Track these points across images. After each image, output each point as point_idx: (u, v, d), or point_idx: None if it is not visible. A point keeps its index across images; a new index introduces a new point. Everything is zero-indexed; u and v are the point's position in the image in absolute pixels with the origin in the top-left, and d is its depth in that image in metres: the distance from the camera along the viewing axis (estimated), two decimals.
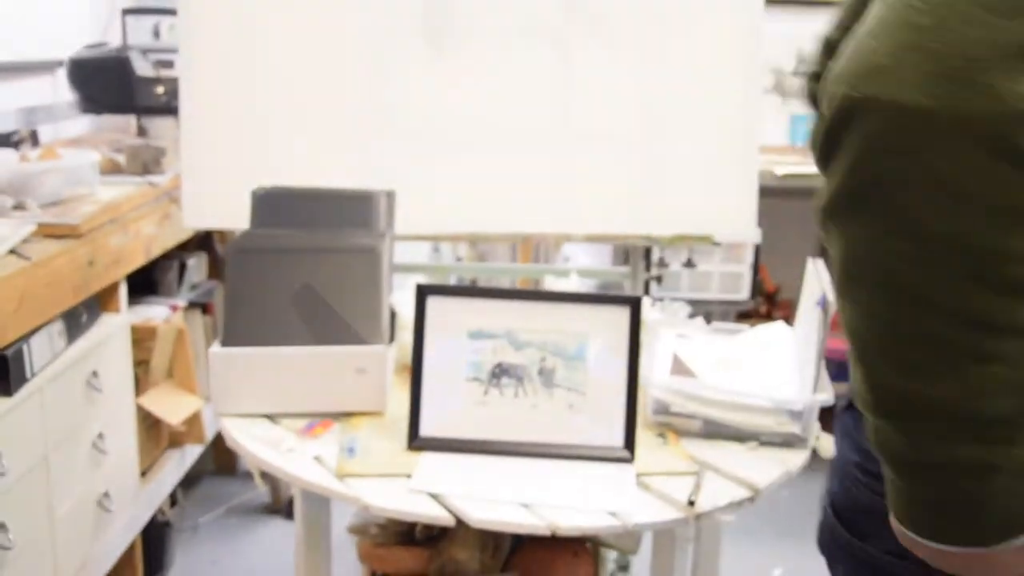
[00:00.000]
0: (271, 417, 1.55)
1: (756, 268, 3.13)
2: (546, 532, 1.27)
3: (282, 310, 1.58)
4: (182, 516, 2.48)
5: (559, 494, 1.33)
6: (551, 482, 1.36)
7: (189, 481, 2.52)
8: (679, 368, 1.62)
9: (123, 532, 2.09)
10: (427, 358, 1.45)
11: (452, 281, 3.47)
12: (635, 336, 1.44)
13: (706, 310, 3.10)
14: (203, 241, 2.69)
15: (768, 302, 3.42)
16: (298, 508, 1.61)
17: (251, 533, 2.74)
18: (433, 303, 1.46)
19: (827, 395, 1.50)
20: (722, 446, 1.52)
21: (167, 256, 2.42)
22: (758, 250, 3.15)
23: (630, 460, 1.43)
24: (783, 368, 1.67)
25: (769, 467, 1.45)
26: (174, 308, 2.40)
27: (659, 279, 2.66)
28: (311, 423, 1.52)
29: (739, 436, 1.53)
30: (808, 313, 1.66)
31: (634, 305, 1.45)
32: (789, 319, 3.27)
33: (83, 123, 2.97)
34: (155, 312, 2.34)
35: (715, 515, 1.34)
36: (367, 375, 1.54)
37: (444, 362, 1.45)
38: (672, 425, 1.55)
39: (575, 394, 1.45)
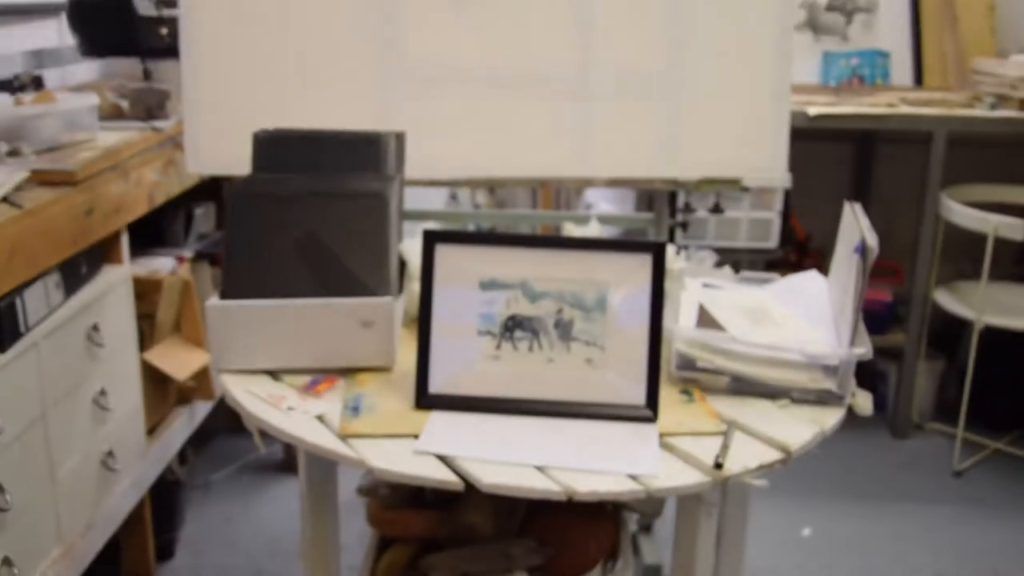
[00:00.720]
0: (272, 373, 1.47)
1: (786, 215, 3.01)
2: (562, 498, 1.18)
3: (284, 260, 1.49)
4: (193, 474, 2.42)
5: (576, 456, 1.24)
6: (568, 443, 1.27)
7: (200, 438, 2.46)
8: (706, 320, 1.52)
9: (130, 491, 2.02)
10: (436, 311, 1.36)
11: (470, 229, 3.38)
12: (659, 286, 1.34)
13: (734, 259, 2.99)
14: (211, 189, 2.59)
15: (798, 251, 3.29)
16: (302, 470, 1.53)
17: (264, 491, 2.68)
18: (442, 251, 1.36)
19: (865, 349, 1.39)
20: (751, 404, 1.42)
21: (173, 205, 2.33)
22: (788, 196, 3.02)
23: (653, 419, 1.33)
24: (817, 320, 1.56)
25: (802, 427, 1.36)
26: (180, 259, 2.31)
27: (684, 226, 2.55)
28: (315, 379, 1.44)
29: (770, 393, 1.43)
30: (845, 260, 1.55)
31: (657, 252, 1.34)
32: (821, 268, 3.16)
33: (90, 68, 2.87)
34: (160, 264, 2.26)
35: (744, 478, 1.25)
36: (374, 328, 1.45)
37: (454, 315, 1.36)
38: (698, 381, 1.45)
39: (594, 348, 1.35)
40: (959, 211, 2.87)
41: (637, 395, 1.34)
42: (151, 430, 2.19)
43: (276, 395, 1.39)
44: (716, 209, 2.18)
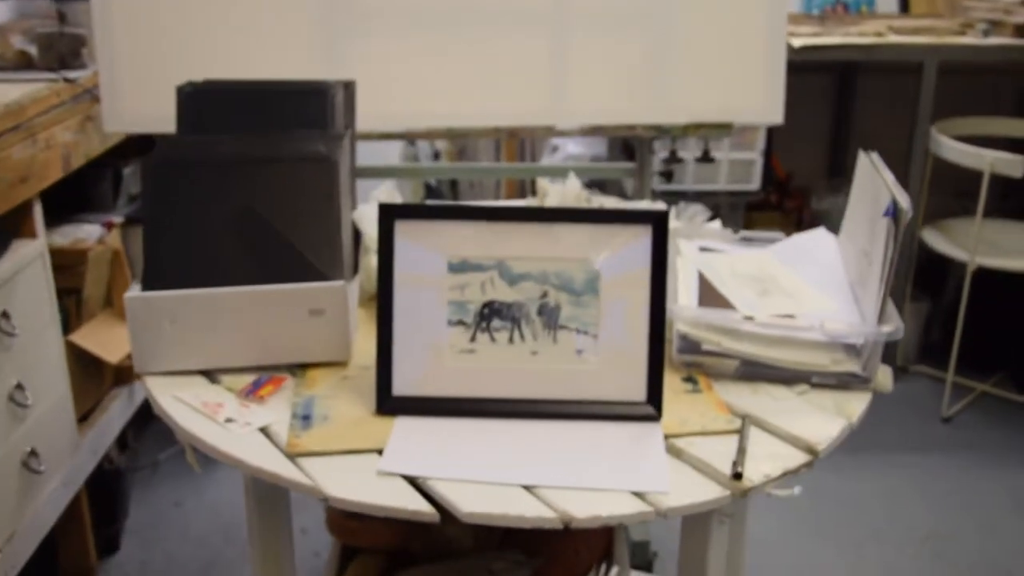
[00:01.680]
0: (208, 374, 1.25)
1: (768, 155, 2.81)
2: (557, 525, 0.99)
3: (217, 240, 1.27)
4: (137, 456, 2.21)
5: (570, 471, 1.05)
6: (559, 453, 1.08)
7: (144, 416, 2.24)
8: (708, 293, 1.33)
9: (61, 491, 1.81)
10: (398, 299, 1.15)
11: (430, 186, 3.14)
12: (660, 262, 1.14)
13: (713, 203, 2.80)
14: (143, 145, 2.33)
15: (779, 191, 3.10)
16: (248, 495, 1.33)
17: (217, 469, 2.47)
18: (403, 229, 1.14)
19: (894, 326, 1.20)
20: (765, 391, 1.23)
21: (98, 164, 2.08)
22: (771, 134, 2.82)
23: (656, 417, 1.14)
24: (832, 288, 1.37)
25: (826, 418, 1.17)
26: (109, 226, 2.07)
27: (669, 175, 2.34)
28: (258, 381, 1.23)
29: (785, 378, 1.24)
30: (863, 220, 1.35)
31: (658, 223, 1.14)
32: (803, 210, 2.97)
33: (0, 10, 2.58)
34: (86, 232, 2.02)
35: (767, 489, 1.06)
36: (325, 318, 1.24)
37: (419, 303, 1.15)
38: (703, 367, 1.26)
39: (585, 337, 1.15)
40: (951, 147, 2.69)
41: (637, 390, 1.15)
42: (84, 417, 1.97)
43: (211, 403, 1.18)
44: (705, 157, 1.97)
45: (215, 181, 1.29)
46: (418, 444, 1.09)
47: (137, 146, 2.30)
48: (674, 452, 1.10)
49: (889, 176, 1.28)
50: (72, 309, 1.93)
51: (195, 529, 2.28)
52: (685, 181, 2.80)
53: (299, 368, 1.26)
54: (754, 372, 1.25)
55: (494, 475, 1.03)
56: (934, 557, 2.24)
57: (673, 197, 2.77)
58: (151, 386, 1.22)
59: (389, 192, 1.57)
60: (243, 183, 1.29)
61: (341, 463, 1.07)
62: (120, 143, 2.12)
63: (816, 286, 1.37)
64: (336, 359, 1.26)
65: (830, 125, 3.30)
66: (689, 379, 1.25)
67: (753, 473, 1.06)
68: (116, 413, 2.06)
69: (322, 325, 1.24)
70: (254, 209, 1.28)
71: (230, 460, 1.08)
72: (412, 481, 1.03)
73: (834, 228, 3.02)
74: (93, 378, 1.99)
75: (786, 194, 3.10)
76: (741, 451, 1.09)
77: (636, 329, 1.15)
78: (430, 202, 1.99)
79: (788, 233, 1.56)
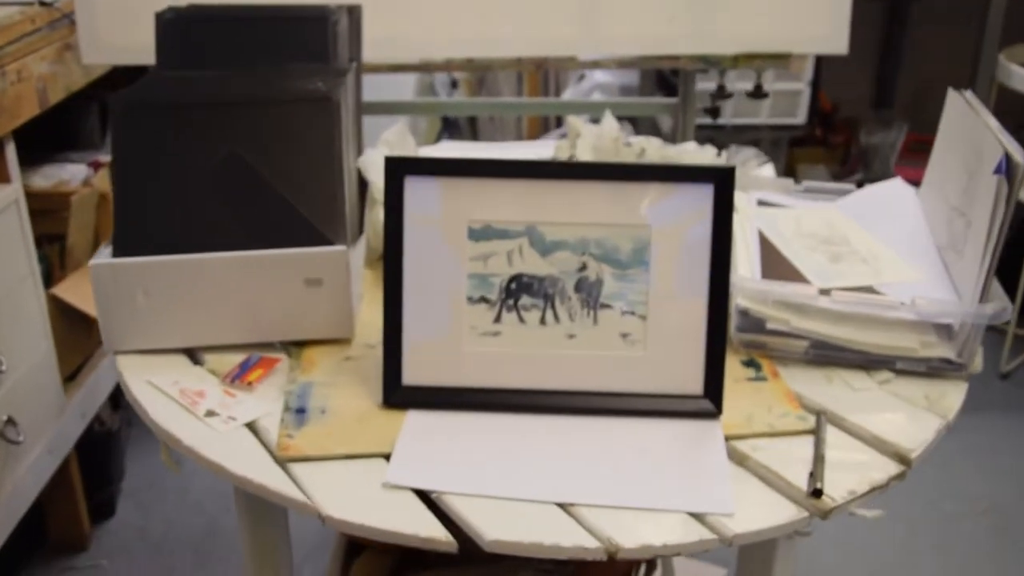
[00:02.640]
0: (190, 353, 1.08)
1: (816, 86, 2.58)
2: (601, 556, 0.82)
3: (197, 196, 1.08)
4: (130, 417, 2.05)
5: (613, 484, 0.87)
6: (599, 460, 0.90)
7: None
8: (771, 259, 1.13)
9: (45, 459, 1.65)
10: (408, 272, 0.96)
11: (447, 120, 2.91)
12: (723, 229, 0.94)
13: (753, 138, 2.58)
14: (134, 75, 2.13)
15: (823, 125, 2.87)
16: (238, 503, 1.16)
17: None
18: (415, 187, 0.95)
19: (1000, 306, 1.01)
20: (840, 379, 1.05)
21: (83, 97, 1.88)
22: (819, 63, 2.59)
23: (716, 414, 0.96)
24: (916, 252, 1.17)
25: (915, 415, 0.99)
26: (95, 165, 1.89)
27: (715, 112, 2.13)
28: (246, 362, 1.05)
29: (864, 363, 1.06)
30: (954, 171, 1.15)
31: (722, 181, 0.94)
32: (849, 145, 2.74)
33: None
34: (69, 173, 1.83)
35: (851, 509, 0.88)
36: (324, 288, 1.05)
37: (434, 276, 0.96)
38: (766, 348, 1.07)
39: (632, 319, 0.96)
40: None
41: (693, 381, 0.96)
42: (71, 377, 1.81)
43: (191, 390, 1.00)
44: (758, 92, 1.76)
45: (195, 126, 1.09)
46: (432, 447, 0.91)
47: (127, 78, 2.10)
48: (737, 458, 0.92)
49: (993, 121, 1.08)
50: (55, 259, 1.76)
51: (194, 492, 2.13)
52: (723, 114, 2.58)
53: (294, 346, 1.09)
54: (827, 356, 1.06)
55: (523, 490, 0.86)
56: (993, 532, 2.07)
57: (709, 133, 2.55)
58: (122, 368, 1.05)
59: (400, 134, 1.37)
60: (229, 128, 1.10)
61: (341, 471, 0.89)
62: (107, 74, 1.92)
63: (897, 250, 1.18)
64: (337, 336, 1.08)
65: (877, 50, 3.05)
66: (750, 363, 1.06)
67: (835, 488, 0.88)
68: (106, 371, 1.89)
69: (320, 297, 1.06)
70: (241, 159, 1.09)
71: (210, 466, 0.91)
72: (425, 495, 0.86)
73: (885, 166, 2.81)
74: (80, 334, 1.82)
75: (831, 127, 2.87)
76: (819, 459, 0.90)
77: (693, 309, 0.96)
78: (445, 142, 1.79)
79: (834, 171, 1.37)
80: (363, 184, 1.25)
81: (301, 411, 0.97)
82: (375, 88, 1.80)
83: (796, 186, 1.35)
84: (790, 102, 2.55)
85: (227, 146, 1.09)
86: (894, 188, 1.32)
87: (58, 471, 1.74)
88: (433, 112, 2.21)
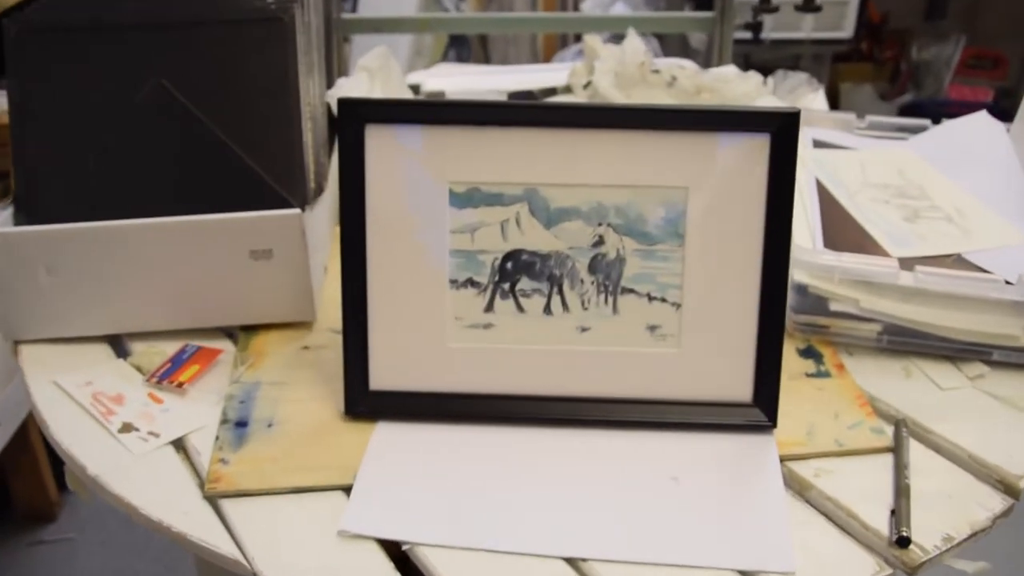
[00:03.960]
0: (114, 342, 0.88)
1: None
2: None
3: (116, 144, 0.87)
4: None
5: (636, 530, 0.66)
6: (618, 493, 0.69)
7: None
8: (832, 217, 0.91)
9: None
10: (373, 246, 0.74)
11: (455, 37, 2.62)
12: (782, 191, 0.72)
13: (793, 53, 2.32)
14: None
15: (871, 38, 2.60)
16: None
17: None
18: (379, 138, 0.73)
19: None
20: (921, 373, 0.84)
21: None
22: None
23: (768, 427, 0.75)
24: (1011, 207, 0.95)
25: (1019, 426, 0.78)
26: None
27: (756, 28, 1.87)
28: (180, 354, 0.85)
29: (951, 353, 0.84)
30: None
31: (783, 130, 0.71)
32: (899, 61, 2.47)
33: None
34: None
35: (947, 561, 0.68)
36: (275, 262, 0.84)
37: (406, 253, 0.75)
38: (828, 333, 0.86)
39: (663, 306, 0.75)
40: None
41: (739, 385, 0.75)
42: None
43: (105, 396, 0.80)
44: (808, 4, 1.51)
45: (113, 55, 0.88)
46: (404, 476, 0.71)
47: None
48: (797, 486, 0.72)
49: None
50: None
51: None
52: (760, 28, 2.31)
53: (242, 332, 0.88)
54: (904, 343, 0.84)
55: (521, 541, 0.65)
56: None
57: (742, 49, 2.29)
58: (24, 363, 0.85)
59: (382, 58, 1.14)
60: (155, 57, 0.88)
61: (287, 511, 0.69)
62: None
63: (987, 204, 0.95)
64: (294, 319, 0.88)
65: None
66: (809, 352, 0.85)
67: (925, 532, 0.67)
68: None
69: (271, 271, 0.85)
70: (171, 96, 0.87)
71: (118, 503, 0.71)
72: (394, 546, 0.66)
73: (938, 84, 2.53)
74: None
75: (879, 40, 2.60)
76: (903, 492, 0.69)
77: (741, 294, 0.74)
78: (443, 65, 1.55)
79: (882, 90, 1.14)
80: (334, 124, 1.03)
81: (242, 424, 0.76)
82: (372, 2, 1.57)
83: (858, 121, 1.11)
84: (836, 13, 2.28)
85: (153, 79, 0.87)
86: (979, 124, 1.08)
87: (19, 438, 1.56)
88: (435, 30, 1.97)
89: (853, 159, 1.02)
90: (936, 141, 1.06)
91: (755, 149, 0.71)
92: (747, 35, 2.22)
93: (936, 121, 1.10)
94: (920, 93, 2.48)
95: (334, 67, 1.05)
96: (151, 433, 0.76)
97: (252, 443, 0.74)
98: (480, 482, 0.70)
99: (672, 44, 2.48)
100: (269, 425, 0.76)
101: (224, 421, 0.77)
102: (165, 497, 0.70)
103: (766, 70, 1.24)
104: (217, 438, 0.75)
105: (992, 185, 0.97)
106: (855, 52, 2.50)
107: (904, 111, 2.48)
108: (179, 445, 0.75)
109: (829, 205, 0.93)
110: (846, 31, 2.31)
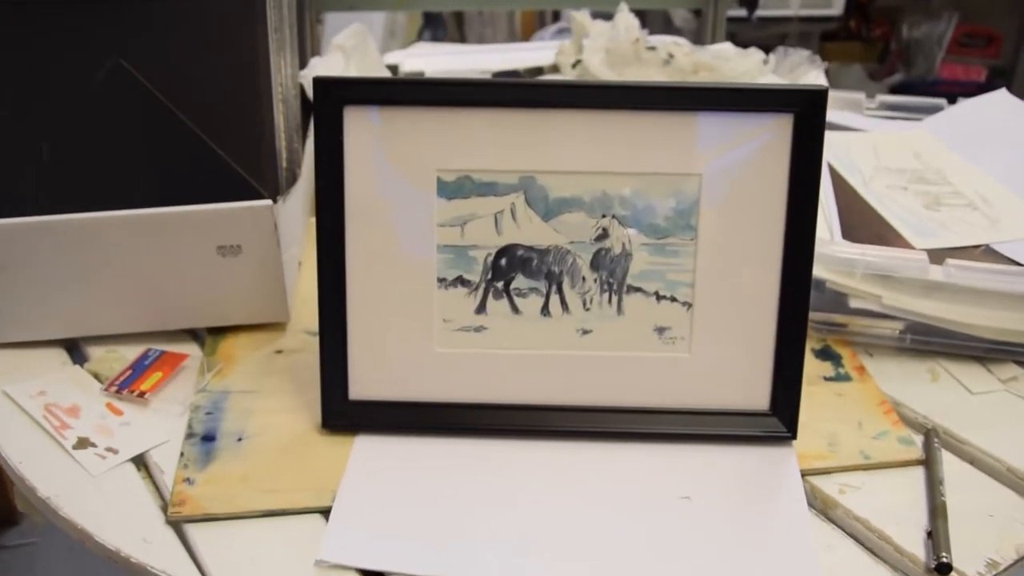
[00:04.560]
0: (68, 346, 0.80)
1: None
2: None
3: (70, 129, 0.79)
4: None
5: (644, 555, 0.60)
6: (623, 513, 0.63)
7: None
8: (849, 206, 0.85)
9: None
10: (353, 241, 0.67)
11: (429, 16, 2.53)
12: (808, 178, 0.65)
13: (779, 32, 2.26)
14: None
15: (859, 16, 2.53)
16: None
17: None
18: (359, 120, 0.66)
19: None
20: (949, 376, 0.78)
21: None
22: None
23: (787, 437, 0.69)
24: None
25: None
26: None
27: (751, 4, 1.80)
28: (143, 358, 0.77)
29: (982, 354, 0.78)
30: None
31: (808, 109, 0.64)
32: (889, 39, 2.41)
33: None
34: None
35: None
36: (244, 257, 0.77)
37: (389, 248, 0.67)
38: (846, 332, 0.79)
39: (673, 306, 0.68)
40: None
41: (756, 391, 0.69)
42: None
43: (59, 407, 0.72)
44: None
45: (65, 29, 0.79)
46: (389, 497, 0.64)
47: None
48: (820, 504, 0.65)
49: None
50: None
51: None
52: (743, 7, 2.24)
53: (210, 335, 0.81)
54: (928, 343, 0.78)
55: (517, 572, 0.59)
56: None
57: (729, 28, 2.22)
58: None
59: (358, 36, 1.07)
60: (112, 32, 0.80)
61: (258, 538, 0.62)
62: None
63: (1013, 189, 0.89)
64: (266, 320, 0.80)
65: None
66: (826, 353, 0.79)
67: (966, 557, 0.61)
68: None
69: (240, 268, 0.77)
70: (130, 75, 0.79)
71: (72, 529, 0.64)
72: None
73: (929, 63, 2.48)
74: None
75: (868, 19, 2.54)
76: (938, 511, 0.63)
77: (759, 292, 0.67)
78: (420, 45, 1.48)
79: (871, 70, 1.08)
80: (307, 107, 0.95)
81: (209, 439, 0.69)
82: None
83: (868, 101, 1.05)
84: None
85: (111, 59, 0.79)
86: (998, 103, 1.02)
87: None
88: (411, 7, 1.88)
89: (865, 142, 0.96)
90: (952, 122, 1.00)
91: (777, 131, 0.64)
92: (749, 15, 2.15)
93: None
94: (910, 72, 2.42)
95: (307, 46, 0.98)
96: (109, 449, 0.68)
97: (220, 460, 0.67)
98: (471, 503, 0.63)
99: (654, 24, 2.41)
100: (239, 439, 0.69)
101: (190, 435, 0.69)
102: (123, 522, 0.63)
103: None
104: (182, 454, 0.68)
105: (1016, 168, 0.91)
106: (843, 30, 2.44)
107: (894, 91, 2.42)
108: (140, 462, 0.68)
109: (844, 192, 0.86)
110: (835, 8, 2.25)
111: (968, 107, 1.02)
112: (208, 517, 0.63)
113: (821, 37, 2.38)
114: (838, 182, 0.87)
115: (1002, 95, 1.03)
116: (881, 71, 2.47)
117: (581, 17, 1.18)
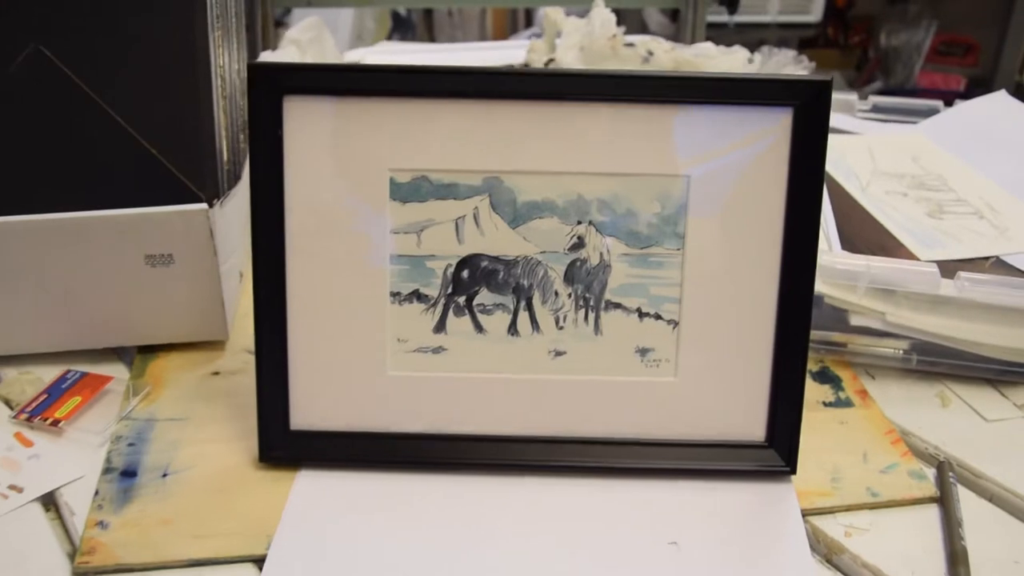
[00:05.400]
0: None
1: None
2: None
3: None
4: None
5: None
6: (604, 560, 0.55)
7: None
8: (847, 214, 0.78)
9: None
10: (293, 250, 0.59)
11: (399, 16, 2.46)
12: (809, 179, 0.58)
13: (757, 38, 2.19)
14: None
15: (837, 24, 2.48)
16: None
17: None
18: (302, 113, 0.57)
19: None
20: (960, 400, 0.70)
21: None
22: None
23: (786, 471, 0.61)
24: None
25: None
26: None
27: (732, 4, 1.74)
28: (60, 381, 0.68)
29: (994, 376, 0.71)
30: None
31: (810, 102, 0.57)
32: (867, 47, 2.37)
33: None
34: None
35: None
36: (177, 267, 0.68)
37: (336, 258, 0.59)
38: (845, 352, 0.72)
39: (656, 324, 0.60)
40: None
41: (750, 419, 0.61)
42: None
43: None
44: None
45: None
46: (333, 543, 0.55)
47: None
48: (825, 550, 0.58)
49: None
50: None
51: None
52: (720, 11, 2.19)
53: (139, 354, 0.72)
54: (935, 363, 0.71)
55: None
56: None
57: (707, 33, 2.16)
58: None
59: (314, 29, 0.99)
60: (32, 16, 0.71)
61: None
62: None
63: (1019, 195, 0.82)
64: (202, 338, 0.72)
65: None
66: (824, 375, 0.71)
67: None
68: None
69: (172, 280, 0.69)
70: (52, 64, 0.70)
71: None
72: None
73: (908, 71, 2.42)
74: None
75: (846, 27, 2.49)
76: (960, 560, 0.56)
77: (754, 309, 0.60)
78: (383, 43, 1.40)
79: (849, 78, 1.02)
80: None
81: (129, 474, 0.61)
82: None
83: (861, 103, 0.98)
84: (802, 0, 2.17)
85: (30, 45, 0.71)
86: (998, 105, 0.96)
87: None
88: (378, 3, 1.80)
89: (859, 145, 0.89)
90: (950, 125, 0.93)
91: (775, 128, 0.57)
92: (730, 16, 2.09)
93: None
94: (889, 80, 2.37)
95: (258, 40, 0.90)
96: (13, 487, 0.60)
97: (141, 499, 0.59)
98: (428, 550, 0.55)
99: (629, 29, 2.33)
100: (164, 475, 0.60)
101: (107, 470, 0.61)
102: (22, 574, 0.54)
103: None
104: (96, 493, 0.59)
105: (1020, 173, 0.84)
106: (822, 37, 2.39)
107: None
108: (49, 502, 0.59)
109: (840, 199, 0.79)
110: (814, 14, 2.19)
111: (966, 109, 0.95)
112: (122, 568, 0.54)
113: (799, 44, 2.33)
114: (834, 187, 0.80)
115: (1001, 97, 0.96)
116: (859, 79, 2.42)
117: (554, 13, 1.10)
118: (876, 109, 0.97)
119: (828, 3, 2.23)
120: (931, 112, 0.96)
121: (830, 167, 0.83)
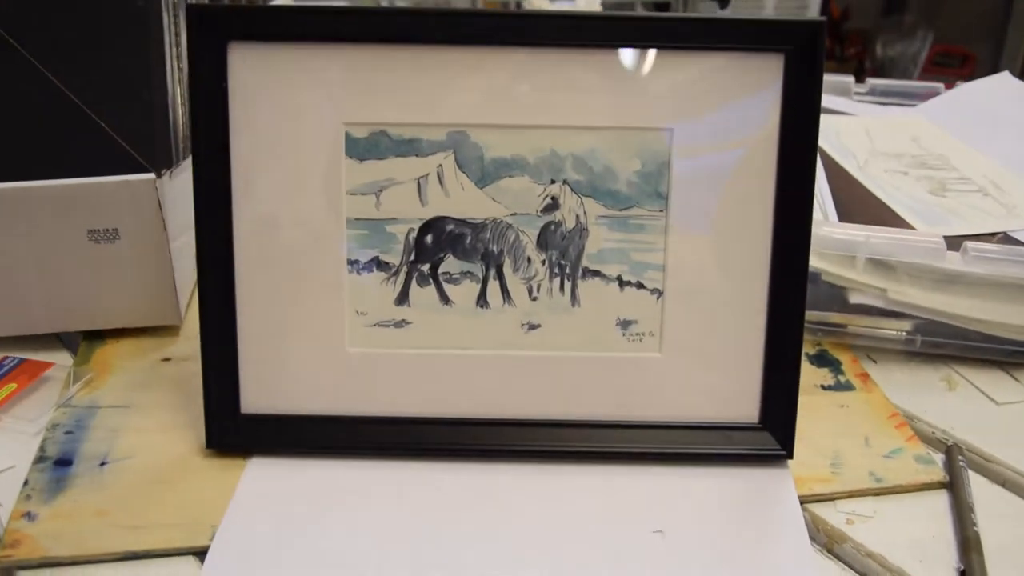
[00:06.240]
0: None
1: None
2: None
3: None
4: None
5: None
6: (584, 552, 0.50)
7: None
8: (846, 192, 0.73)
9: None
10: (240, 215, 0.54)
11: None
12: (804, 132, 0.53)
13: None
14: None
15: (833, 35, 2.45)
16: None
17: None
18: (246, 61, 0.53)
19: None
20: (967, 382, 0.65)
21: None
22: None
23: (782, 455, 0.56)
24: None
25: None
26: None
27: (723, 0, 1.70)
28: None
29: (1003, 357, 0.66)
30: None
31: (803, 47, 0.52)
32: (863, 59, 2.34)
33: None
34: None
35: None
36: (123, 244, 0.64)
37: (286, 223, 0.54)
38: (844, 334, 0.67)
39: (640, 293, 0.55)
40: None
41: (742, 399, 0.56)
42: None
43: None
44: None
45: None
46: (284, 535, 0.50)
47: None
48: (824, 539, 0.52)
49: None
50: None
51: None
52: (712, 7, 2.15)
53: (85, 340, 0.67)
54: (941, 344, 0.66)
55: None
56: None
57: None
58: None
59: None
60: None
61: None
62: None
63: (1017, 172, 0.78)
64: (151, 322, 0.67)
65: None
66: (822, 358, 0.66)
67: None
68: None
69: (118, 258, 0.64)
70: None
71: None
72: None
73: (905, 79, 2.40)
74: None
75: (841, 38, 2.45)
76: (972, 547, 0.50)
77: (744, 276, 0.55)
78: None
79: None
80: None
81: (64, 463, 0.55)
82: None
83: (858, 86, 0.94)
84: (798, 3, 2.13)
85: None
86: (1001, 86, 0.91)
87: None
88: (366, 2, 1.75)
89: (857, 126, 0.84)
90: (951, 107, 0.89)
91: (765, 75, 0.52)
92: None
93: None
94: None
95: None
96: None
97: (75, 490, 0.53)
98: (389, 543, 0.50)
99: None
100: (101, 464, 0.55)
101: (40, 459, 0.56)
102: None
103: None
104: (26, 483, 0.54)
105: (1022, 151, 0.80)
106: None
107: None
108: None
109: (837, 175, 0.74)
110: None
111: (967, 91, 0.91)
112: (48, 562, 0.49)
113: None
114: (830, 165, 0.75)
115: (1005, 78, 0.92)
116: None
117: (539, 1, 1.06)
118: (874, 92, 0.92)
119: (824, 13, 2.19)
120: (931, 95, 0.92)
121: (827, 145, 0.79)
